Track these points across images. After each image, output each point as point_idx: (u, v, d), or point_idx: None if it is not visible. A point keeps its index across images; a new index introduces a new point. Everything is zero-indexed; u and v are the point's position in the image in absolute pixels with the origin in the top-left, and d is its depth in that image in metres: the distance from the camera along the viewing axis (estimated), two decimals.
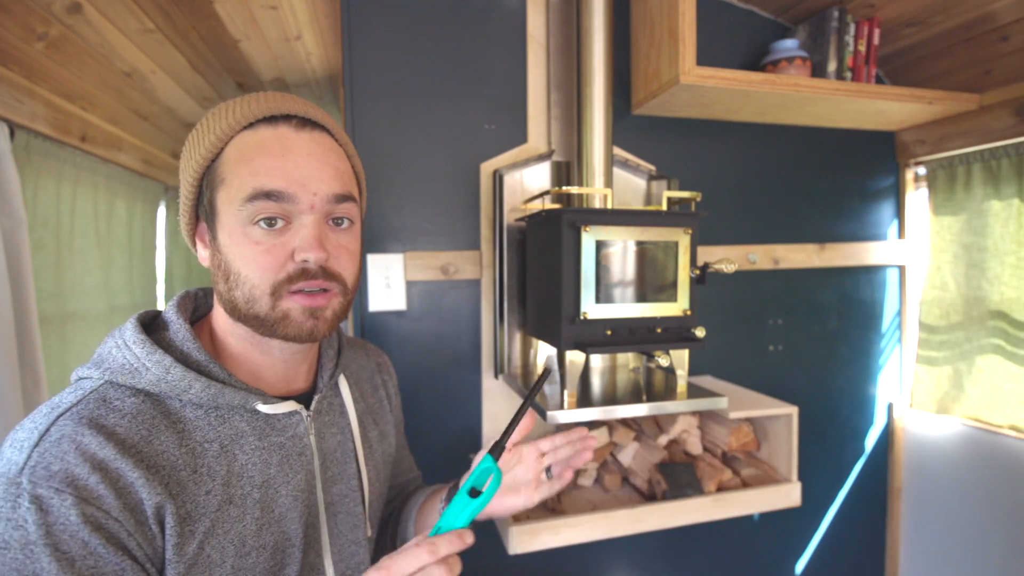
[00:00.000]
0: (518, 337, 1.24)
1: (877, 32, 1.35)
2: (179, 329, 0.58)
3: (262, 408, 0.59)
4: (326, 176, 0.57)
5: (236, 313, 0.57)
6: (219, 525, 0.55)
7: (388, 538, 0.88)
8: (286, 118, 0.57)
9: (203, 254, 0.61)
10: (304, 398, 0.66)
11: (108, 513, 0.48)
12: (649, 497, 1.15)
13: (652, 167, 1.32)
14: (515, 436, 0.68)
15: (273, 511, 0.59)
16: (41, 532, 0.45)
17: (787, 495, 1.16)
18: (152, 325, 0.61)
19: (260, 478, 0.59)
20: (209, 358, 0.58)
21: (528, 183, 1.25)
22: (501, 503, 0.75)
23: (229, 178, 0.55)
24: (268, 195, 0.54)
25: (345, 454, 0.70)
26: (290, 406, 0.62)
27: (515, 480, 0.77)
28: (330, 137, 0.60)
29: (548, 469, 0.79)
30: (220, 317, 0.61)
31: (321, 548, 0.65)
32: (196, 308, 0.67)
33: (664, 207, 1.03)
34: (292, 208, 0.55)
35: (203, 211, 0.58)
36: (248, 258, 0.55)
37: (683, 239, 1.01)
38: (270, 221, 0.54)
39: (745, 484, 1.19)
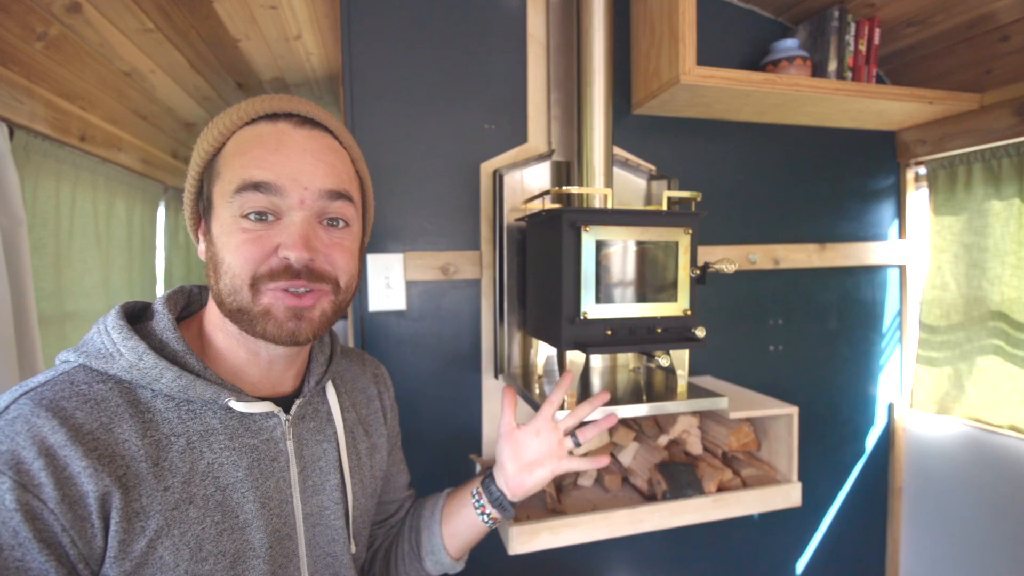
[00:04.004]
0: (518, 337, 1.24)
1: (877, 32, 1.34)
2: (162, 319, 0.58)
3: (235, 405, 0.57)
4: (319, 172, 0.56)
5: (223, 307, 0.56)
6: (175, 525, 0.52)
7: (397, 555, 0.83)
8: (287, 116, 0.57)
9: (201, 248, 0.60)
10: (288, 402, 0.64)
11: (45, 504, 0.45)
12: (649, 497, 1.15)
13: (652, 167, 1.32)
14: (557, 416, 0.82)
15: (237, 516, 0.56)
16: None
17: (787, 495, 1.16)
18: (141, 315, 0.61)
19: (226, 480, 0.56)
20: (187, 348, 0.56)
21: (528, 183, 1.25)
22: (530, 476, 0.78)
23: (224, 171, 0.55)
24: (256, 186, 0.53)
25: (329, 464, 0.67)
26: (266, 406, 0.60)
27: (538, 453, 0.78)
28: (331, 137, 0.60)
29: (574, 436, 0.81)
30: (212, 312, 0.61)
31: (299, 561, 0.63)
32: (189, 304, 0.66)
33: (664, 207, 1.03)
34: (281, 203, 0.54)
35: (202, 205, 0.59)
36: (233, 246, 0.54)
37: (683, 239, 1.01)
38: (260, 215, 0.54)
39: (745, 484, 1.18)
